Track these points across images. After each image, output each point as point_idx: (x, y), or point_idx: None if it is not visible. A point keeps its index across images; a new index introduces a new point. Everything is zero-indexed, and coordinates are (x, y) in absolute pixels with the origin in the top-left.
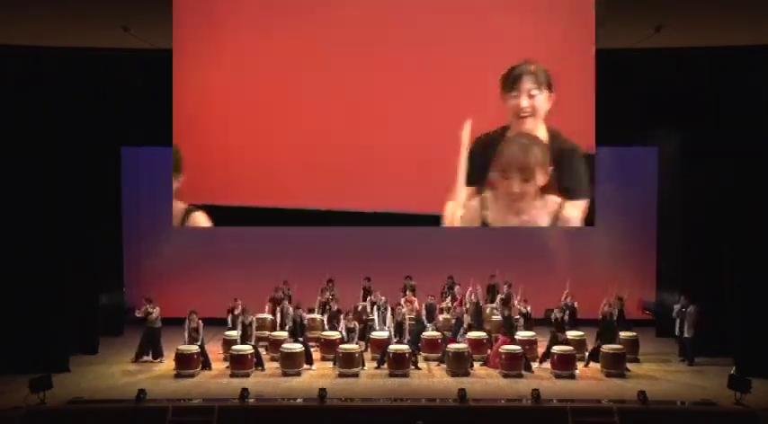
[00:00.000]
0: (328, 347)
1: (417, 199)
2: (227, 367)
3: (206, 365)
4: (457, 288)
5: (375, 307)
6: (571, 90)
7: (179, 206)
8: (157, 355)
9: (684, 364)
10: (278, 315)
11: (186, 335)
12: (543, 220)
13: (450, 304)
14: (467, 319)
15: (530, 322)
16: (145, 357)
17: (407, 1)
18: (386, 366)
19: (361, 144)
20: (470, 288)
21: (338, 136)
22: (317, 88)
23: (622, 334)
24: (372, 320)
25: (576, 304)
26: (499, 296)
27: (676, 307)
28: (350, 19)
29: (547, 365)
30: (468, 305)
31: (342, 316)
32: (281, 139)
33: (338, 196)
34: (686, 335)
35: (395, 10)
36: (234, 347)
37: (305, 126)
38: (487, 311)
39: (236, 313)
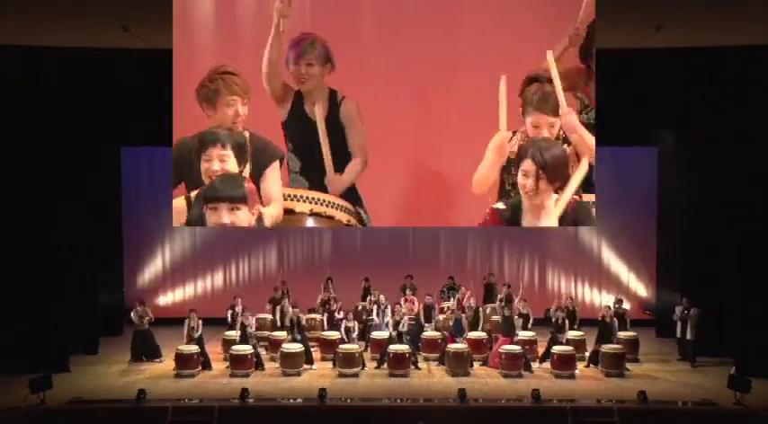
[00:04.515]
0: (328, 347)
1: None
2: (227, 367)
3: (206, 365)
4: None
5: (375, 306)
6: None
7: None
8: (155, 355)
9: (683, 364)
10: (277, 315)
11: (186, 334)
12: None
13: (453, 305)
14: (465, 322)
15: (528, 322)
16: (140, 362)
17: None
18: (386, 366)
19: None
20: (468, 293)
21: None
22: None
23: (622, 334)
24: (372, 319)
25: (576, 308)
26: (499, 296)
27: (677, 310)
28: (349, 21)
29: (547, 365)
30: (467, 310)
31: (340, 314)
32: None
33: None
34: (689, 338)
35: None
36: (234, 347)
37: None
38: (487, 311)
39: (236, 310)
